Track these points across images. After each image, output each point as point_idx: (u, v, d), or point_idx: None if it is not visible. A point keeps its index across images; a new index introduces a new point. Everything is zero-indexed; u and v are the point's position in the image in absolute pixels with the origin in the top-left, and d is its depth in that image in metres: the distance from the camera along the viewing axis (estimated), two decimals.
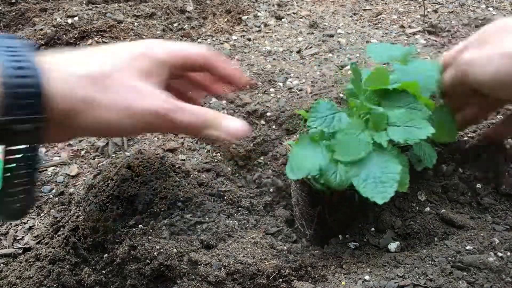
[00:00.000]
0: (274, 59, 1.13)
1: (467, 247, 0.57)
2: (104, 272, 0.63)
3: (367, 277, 0.55)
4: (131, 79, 0.49)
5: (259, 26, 1.28)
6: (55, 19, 1.22)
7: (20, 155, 0.44)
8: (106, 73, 0.47)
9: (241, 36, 1.24)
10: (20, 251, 0.69)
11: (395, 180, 0.53)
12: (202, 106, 0.56)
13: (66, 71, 0.45)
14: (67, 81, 0.45)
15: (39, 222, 0.74)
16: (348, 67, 1.06)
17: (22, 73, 0.42)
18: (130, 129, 0.49)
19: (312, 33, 1.24)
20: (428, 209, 0.65)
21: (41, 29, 1.20)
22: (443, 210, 0.64)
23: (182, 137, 0.88)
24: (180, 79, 0.61)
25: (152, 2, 1.37)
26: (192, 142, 0.87)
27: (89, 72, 0.46)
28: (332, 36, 1.21)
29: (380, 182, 0.53)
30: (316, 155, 0.57)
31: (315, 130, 0.59)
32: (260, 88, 1.03)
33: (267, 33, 1.25)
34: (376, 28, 1.26)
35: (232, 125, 0.54)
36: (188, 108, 0.51)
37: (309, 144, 0.59)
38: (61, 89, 0.44)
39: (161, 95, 0.50)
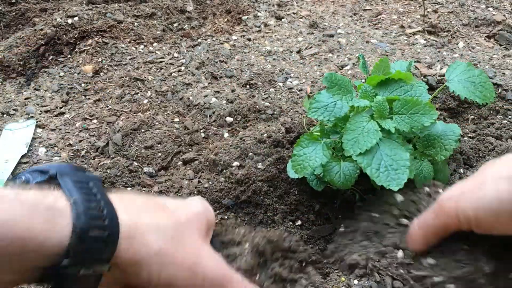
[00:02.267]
0: (274, 59, 1.13)
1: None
2: None
3: None
4: (195, 235, 0.49)
5: (259, 26, 1.28)
6: (55, 19, 1.22)
7: None
8: (176, 227, 0.47)
9: (241, 36, 1.24)
10: None
11: (406, 166, 0.55)
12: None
13: (138, 219, 0.44)
14: (142, 229, 0.44)
15: None
16: (348, 67, 1.06)
17: (94, 209, 0.41)
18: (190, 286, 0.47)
19: (312, 33, 1.24)
20: None
21: (41, 29, 1.20)
22: None
23: None
24: None
25: (152, 2, 1.37)
26: None
27: (161, 225, 0.45)
28: (332, 36, 1.21)
29: (393, 169, 0.55)
30: (317, 153, 0.58)
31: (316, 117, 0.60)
32: (260, 88, 1.03)
33: (267, 33, 1.25)
34: (376, 28, 1.26)
35: None
36: (242, 284, 0.50)
37: (309, 143, 0.60)
38: (135, 240, 0.43)
39: (222, 261, 0.50)
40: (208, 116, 0.96)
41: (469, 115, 0.91)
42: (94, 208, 0.41)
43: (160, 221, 0.46)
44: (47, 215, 0.39)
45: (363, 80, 0.81)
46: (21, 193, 0.40)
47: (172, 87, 1.04)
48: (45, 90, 1.06)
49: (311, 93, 0.98)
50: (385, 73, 0.61)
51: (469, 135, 0.86)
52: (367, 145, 0.55)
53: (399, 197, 0.61)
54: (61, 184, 0.42)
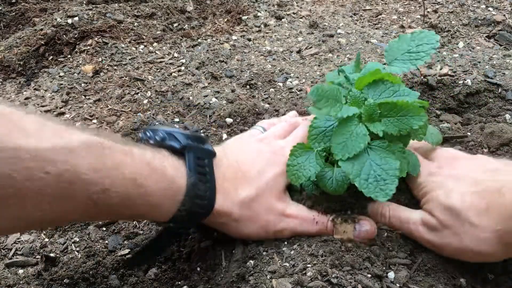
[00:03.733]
0: (274, 59, 1.13)
1: None
2: None
3: None
4: (270, 201, 0.61)
5: (259, 26, 1.28)
6: (55, 19, 1.22)
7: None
8: (253, 198, 0.60)
9: (241, 36, 1.24)
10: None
11: (395, 176, 0.55)
12: None
13: (229, 195, 0.59)
14: (229, 206, 0.59)
15: None
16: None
17: (202, 191, 0.56)
18: (266, 238, 0.61)
19: (312, 33, 1.24)
20: None
21: (41, 29, 1.20)
22: None
23: None
24: None
25: (152, 2, 1.37)
26: None
27: (241, 199, 0.59)
28: (332, 36, 1.21)
29: (382, 179, 0.55)
30: (311, 162, 0.59)
31: (317, 147, 0.60)
32: (260, 88, 1.03)
33: (267, 33, 1.25)
34: (376, 28, 1.26)
35: (362, 230, 0.59)
36: (316, 220, 0.61)
37: (302, 152, 0.61)
38: (223, 209, 0.58)
39: (292, 213, 0.61)
40: (208, 116, 0.96)
41: (470, 115, 0.91)
42: (202, 190, 0.56)
43: (241, 196, 0.59)
44: (167, 186, 0.54)
45: None
46: (154, 158, 0.54)
47: (172, 87, 1.04)
48: (45, 90, 1.06)
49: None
50: (373, 73, 0.61)
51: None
52: (355, 150, 0.56)
53: None
54: (186, 160, 0.57)
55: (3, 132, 0.43)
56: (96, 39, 1.17)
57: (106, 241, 0.71)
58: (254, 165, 0.63)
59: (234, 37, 1.23)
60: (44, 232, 0.72)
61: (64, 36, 1.18)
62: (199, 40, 1.22)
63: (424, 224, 0.59)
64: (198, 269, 0.63)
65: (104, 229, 0.73)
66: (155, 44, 1.20)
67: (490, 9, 1.29)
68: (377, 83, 0.61)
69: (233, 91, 1.02)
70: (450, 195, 0.56)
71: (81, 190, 0.47)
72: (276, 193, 0.61)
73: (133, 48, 1.17)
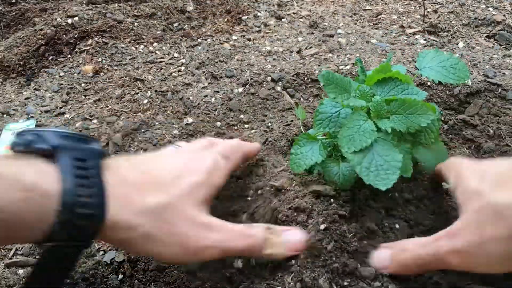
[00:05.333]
0: (274, 59, 1.13)
1: None
2: None
3: None
4: (188, 210, 0.50)
5: (259, 26, 1.28)
6: (55, 19, 1.22)
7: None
8: (166, 206, 0.48)
9: (241, 36, 1.24)
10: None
11: (397, 167, 0.55)
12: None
13: (130, 203, 0.47)
14: (129, 215, 0.46)
15: None
16: (348, 66, 1.06)
17: (84, 197, 0.44)
18: (186, 261, 0.51)
19: (312, 33, 1.24)
20: None
21: (41, 29, 1.20)
22: None
23: None
24: None
25: (152, 2, 1.37)
26: None
27: (149, 207, 0.47)
28: (332, 36, 1.21)
29: (383, 169, 0.55)
30: (314, 152, 0.59)
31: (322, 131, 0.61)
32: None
33: (267, 33, 1.25)
34: (376, 28, 1.26)
35: (292, 239, 0.53)
36: (245, 232, 0.52)
37: (307, 142, 0.61)
38: (121, 220, 0.46)
39: (216, 225, 0.51)
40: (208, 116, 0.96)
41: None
42: (84, 196, 0.44)
43: (149, 203, 0.48)
44: (40, 202, 0.42)
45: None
46: (19, 173, 0.43)
47: (172, 87, 1.04)
48: (45, 90, 1.05)
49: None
50: (383, 70, 0.62)
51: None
52: (362, 144, 0.56)
53: None
54: (59, 163, 0.45)
55: None
56: (96, 39, 1.17)
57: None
58: (169, 170, 0.52)
59: (234, 37, 1.23)
60: None
61: (64, 36, 1.18)
62: (199, 40, 1.22)
63: (447, 232, 0.50)
64: None
65: None
66: (155, 44, 1.20)
67: (490, 9, 1.29)
68: (386, 80, 0.61)
69: (233, 91, 1.02)
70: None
71: None
72: (196, 202, 0.51)
73: (133, 48, 1.17)
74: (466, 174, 0.53)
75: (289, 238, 0.53)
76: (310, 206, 0.58)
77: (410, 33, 1.21)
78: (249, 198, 0.64)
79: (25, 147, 0.46)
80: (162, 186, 0.50)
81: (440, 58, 0.66)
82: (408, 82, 0.61)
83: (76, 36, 1.18)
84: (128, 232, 0.47)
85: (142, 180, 0.50)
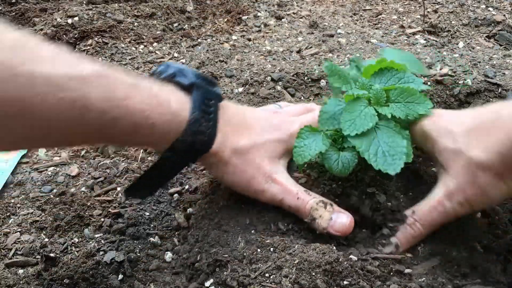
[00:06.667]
0: (274, 59, 1.13)
1: None
2: None
3: None
4: (259, 159, 0.62)
5: (259, 26, 1.28)
6: (55, 19, 1.22)
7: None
8: (248, 149, 0.62)
9: (241, 36, 1.24)
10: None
11: (403, 153, 0.57)
12: None
13: (228, 139, 0.61)
14: (224, 148, 0.61)
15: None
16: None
17: (204, 127, 0.58)
18: (248, 195, 0.62)
19: (312, 33, 1.24)
20: None
21: (41, 29, 1.20)
22: None
23: None
24: None
25: (152, 2, 1.37)
26: None
27: (237, 146, 0.61)
28: (332, 36, 1.21)
29: (390, 155, 0.57)
30: (317, 143, 0.61)
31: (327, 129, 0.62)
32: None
33: (267, 33, 1.25)
34: (376, 28, 1.26)
35: (338, 220, 0.59)
36: (298, 195, 0.60)
37: (309, 134, 0.62)
38: (218, 149, 0.60)
39: (278, 179, 0.62)
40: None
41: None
42: (204, 126, 0.58)
43: (238, 143, 0.61)
44: (171, 118, 0.56)
45: None
46: (162, 91, 0.57)
47: None
48: None
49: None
50: (379, 62, 0.64)
51: None
52: (363, 127, 0.58)
53: None
54: (193, 98, 0.59)
55: (18, 61, 0.45)
56: (96, 39, 1.17)
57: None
58: (260, 123, 0.65)
59: (234, 37, 1.23)
60: (44, 232, 0.72)
61: (64, 36, 1.18)
62: (199, 40, 1.22)
63: (446, 193, 0.58)
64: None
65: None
66: (155, 44, 1.20)
67: (490, 9, 1.29)
68: (383, 71, 0.64)
69: (232, 91, 1.02)
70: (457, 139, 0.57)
71: (92, 118, 0.50)
72: (271, 155, 0.63)
73: (133, 48, 1.17)
74: (438, 137, 0.60)
75: (336, 218, 0.58)
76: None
77: (410, 33, 1.21)
78: None
79: (169, 78, 0.60)
80: (251, 133, 0.63)
81: (401, 55, 0.71)
82: (404, 70, 0.63)
83: (76, 36, 1.18)
84: (217, 159, 0.61)
85: (239, 125, 0.63)
